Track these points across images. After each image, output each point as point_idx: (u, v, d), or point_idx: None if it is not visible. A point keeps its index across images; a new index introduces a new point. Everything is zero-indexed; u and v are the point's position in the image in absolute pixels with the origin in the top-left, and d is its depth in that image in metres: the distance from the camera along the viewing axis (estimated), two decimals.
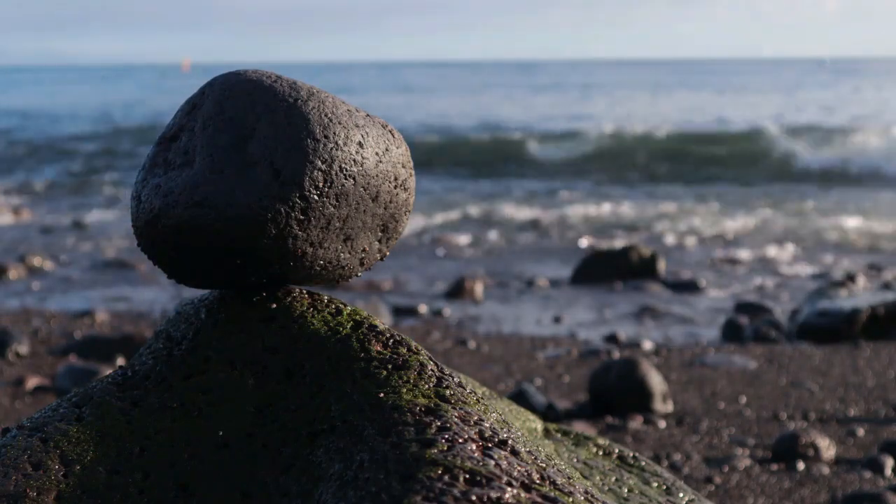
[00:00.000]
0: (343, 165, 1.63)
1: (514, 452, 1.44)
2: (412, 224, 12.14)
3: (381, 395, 1.53)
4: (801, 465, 4.50)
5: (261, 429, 1.59)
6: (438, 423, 1.45)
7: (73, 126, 28.95)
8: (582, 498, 1.41)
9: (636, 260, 9.80)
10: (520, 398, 5.31)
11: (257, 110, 1.61)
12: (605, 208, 14.64)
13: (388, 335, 1.68)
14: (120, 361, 6.34)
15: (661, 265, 9.82)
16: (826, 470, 4.45)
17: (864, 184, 16.83)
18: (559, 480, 1.43)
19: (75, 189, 17.44)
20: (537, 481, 1.37)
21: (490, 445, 1.43)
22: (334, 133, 1.63)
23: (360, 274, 1.79)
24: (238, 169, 1.59)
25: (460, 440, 1.42)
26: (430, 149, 20.63)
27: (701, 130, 23.41)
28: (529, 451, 1.49)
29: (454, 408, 1.51)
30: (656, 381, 5.44)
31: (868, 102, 34.72)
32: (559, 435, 2.12)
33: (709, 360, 6.58)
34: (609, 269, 9.67)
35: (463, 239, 12.30)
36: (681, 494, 1.93)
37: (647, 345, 6.98)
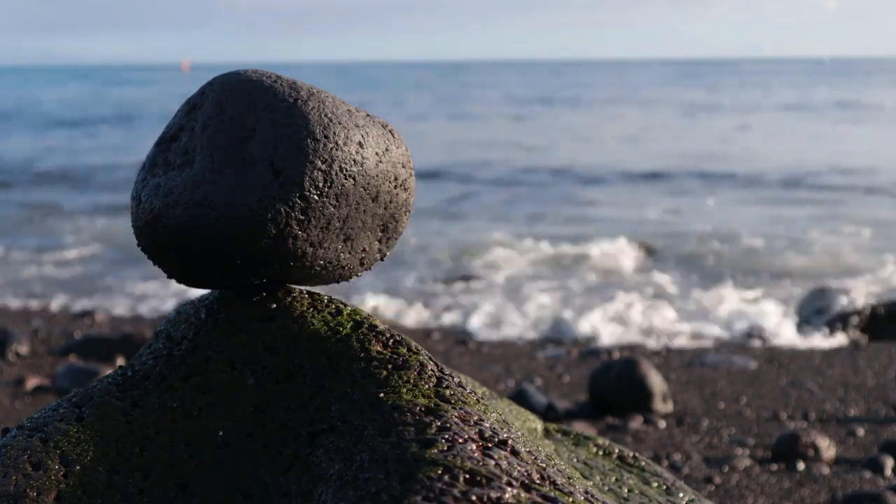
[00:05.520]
0: (343, 165, 1.63)
1: (514, 452, 1.44)
2: None
3: (381, 395, 1.53)
4: (801, 465, 4.50)
5: (261, 429, 1.59)
6: (438, 423, 1.45)
7: None
8: (582, 498, 1.41)
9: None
10: (520, 398, 5.32)
11: (257, 110, 1.61)
12: None
13: (388, 335, 1.68)
14: (120, 361, 6.34)
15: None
16: (826, 470, 4.45)
17: None
18: (559, 480, 1.43)
19: None
20: (537, 481, 1.37)
21: (490, 445, 1.43)
22: (334, 133, 1.62)
23: (360, 274, 1.79)
24: (238, 169, 1.59)
25: (460, 440, 1.42)
26: None
27: None
28: (529, 451, 1.49)
29: (454, 408, 1.51)
30: (656, 381, 5.44)
31: None
32: (559, 435, 2.12)
33: (709, 360, 6.58)
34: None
35: None
36: (681, 494, 1.93)
37: (649, 344, 6.98)
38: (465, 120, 32.67)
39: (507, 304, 8.40)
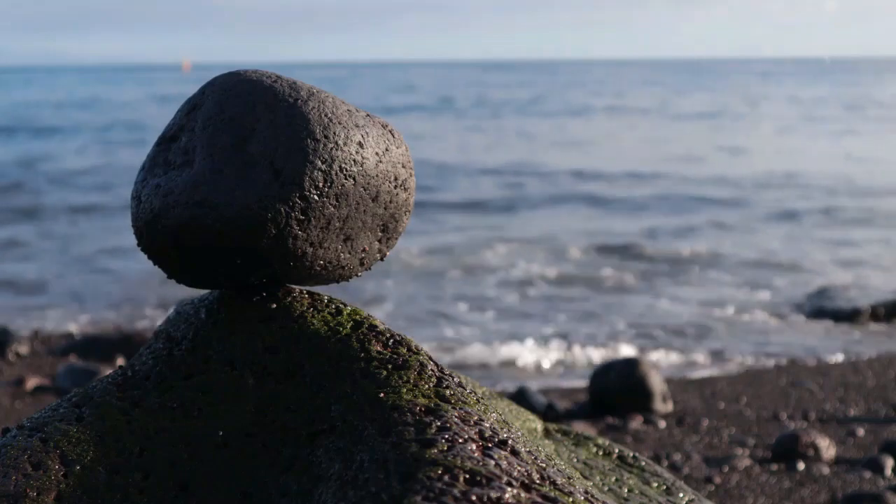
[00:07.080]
0: (343, 165, 1.63)
1: (514, 452, 1.44)
2: None
3: (381, 395, 1.53)
4: (801, 465, 4.50)
5: (261, 429, 1.59)
6: (438, 423, 1.45)
7: None
8: (582, 498, 1.41)
9: None
10: (520, 398, 5.32)
11: (257, 110, 1.61)
12: None
13: (388, 335, 1.68)
14: (120, 361, 6.34)
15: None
16: (826, 470, 4.45)
17: None
18: (559, 480, 1.43)
19: None
20: (537, 481, 1.37)
21: (490, 445, 1.43)
22: (334, 133, 1.62)
23: (360, 274, 1.78)
24: (238, 169, 1.59)
25: (460, 440, 1.42)
26: None
27: None
28: (529, 451, 1.49)
29: (454, 408, 1.51)
30: (656, 381, 5.44)
31: None
32: (559, 435, 2.12)
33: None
34: None
35: None
36: (681, 494, 1.93)
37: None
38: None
39: None
